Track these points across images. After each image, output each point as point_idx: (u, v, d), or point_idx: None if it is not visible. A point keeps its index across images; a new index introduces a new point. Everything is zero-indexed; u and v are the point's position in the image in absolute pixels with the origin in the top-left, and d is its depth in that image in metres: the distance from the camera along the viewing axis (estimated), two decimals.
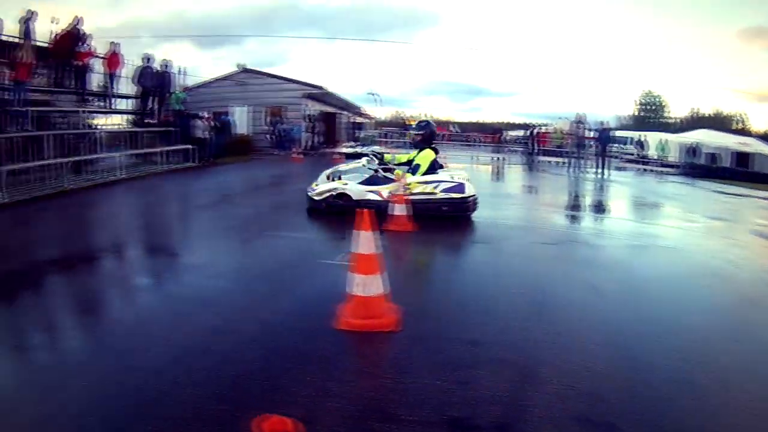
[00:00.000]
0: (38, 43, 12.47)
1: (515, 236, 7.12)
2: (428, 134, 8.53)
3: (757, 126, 54.34)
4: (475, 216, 8.08)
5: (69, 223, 7.94)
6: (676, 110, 63.93)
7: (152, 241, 6.79)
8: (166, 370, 3.00)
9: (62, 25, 13.41)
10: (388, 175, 8.21)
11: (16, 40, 11.69)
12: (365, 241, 3.65)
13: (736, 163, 27.20)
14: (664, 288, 5.10)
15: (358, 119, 36.58)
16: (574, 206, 11.10)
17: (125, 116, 16.69)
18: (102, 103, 15.42)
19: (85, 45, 13.76)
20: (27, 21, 11.79)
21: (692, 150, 25.65)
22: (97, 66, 14.82)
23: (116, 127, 16.08)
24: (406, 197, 7.29)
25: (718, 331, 3.99)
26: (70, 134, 12.38)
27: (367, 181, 8.08)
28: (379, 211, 7.39)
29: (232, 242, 6.56)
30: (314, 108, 25.78)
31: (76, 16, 13.46)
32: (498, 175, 18.00)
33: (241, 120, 23.00)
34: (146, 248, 6.41)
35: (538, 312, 4.09)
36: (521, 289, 4.68)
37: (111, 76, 15.20)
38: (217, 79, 24.38)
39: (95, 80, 14.99)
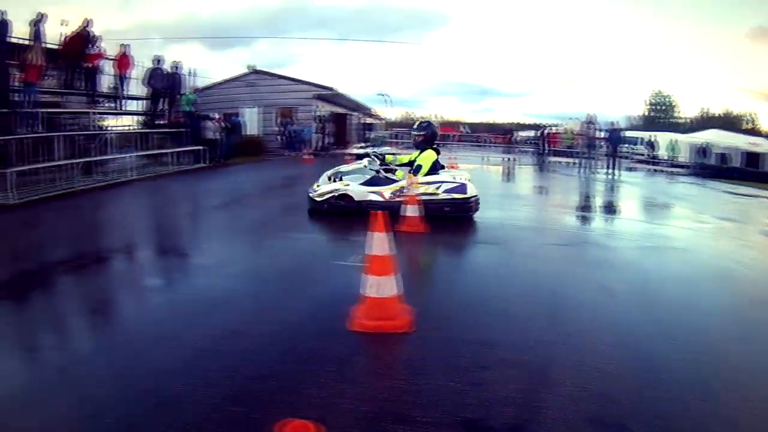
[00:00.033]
0: (48, 45, 12.54)
1: (526, 237, 7.13)
2: (429, 135, 8.52)
3: (767, 126, 53.94)
4: (487, 217, 8.09)
5: (80, 224, 8.01)
6: (686, 110, 63.50)
7: (164, 241, 6.85)
8: (180, 371, 3.01)
9: (72, 27, 13.54)
10: (389, 175, 8.24)
11: (26, 42, 11.76)
12: (379, 242, 3.66)
13: (746, 163, 26.96)
14: (675, 289, 5.07)
15: (369, 120, 36.65)
16: (585, 207, 11.07)
17: (135, 117, 16.80)
18: (112, 105, 15.53)
19: (94, 47, 13.85)
20: (37, 23, 11.89)
21: (702, 150, 25.45)
22: (107, 67, 14.92)
23: (126, 128, 16.19)
24: (418, 198, 7.29)
25: (728, 332, 3.97)
26: (80, 135, 12.51)
27: (369, 182, 8.10)
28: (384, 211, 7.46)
29: (244, 243, 6.59)
30: (325, 109, 25.84)
31: (86, 19, 13.59)
32: (509, 175, 17.96)
33: (251, 121, 23.13)
34: (158, 249, 6.46)
35: (549, 313, 4.10)
36: (533, 290, 4.70)
37: (121, 78, 15.30)
38: (228, 81, 24.55)
39: (105, 82, 15.10)
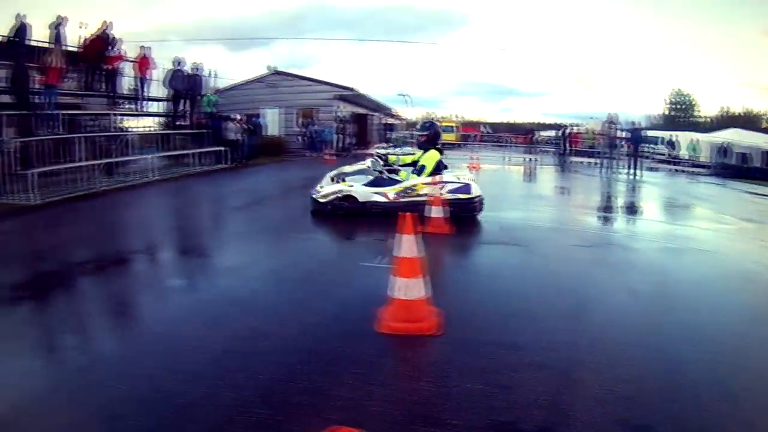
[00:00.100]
0: (68, 48, 12.71)
1: (550, 238, 7.11)
2: (432, 135, 8.51)
3: None
4: (509, 218, 8.10)
5: (102, 224, 8.10)
6: (706, 109, 62.56)
7: (186, 242, 6.92)
8: (205, 373, 3.02)
9: (91, 30, 13.68)
10: (392, 176, 8.23)
11: (46, 45, 11.92)
12: (407, 244, 3.65)
13: (767, 163, 26.54)
14: (698, 291, 5.05)
15: (390, 120, 36.66)
16: (607, 208, 10.99)
17: (156, 119, 17.00)
18: (132, 106, 15.69)
19: (114, 49, 13.97)
20: (57, 26, 12.10)
21: (723, 150, 25.10)
22: (128, 69, 15.05)
23: (147, 129, 16.41)
24: (443, 199, 7.21)
25: (752, 335, 3.94)
26: (101, 137, 12.67)
27: (373, 183, 8.08)
28: (385, 212, 7.50)
29: (268, 244, 6.61)
30: (346, 109, 25.87)
31: (105, 21, 13.72)
32: (530, 176, 17.91)
33: (272, 122, 23.28)
34: (180, 250, 6.53)
35: (574, 315, 4.09)
36: (558, 292, 4.69)
37: (142, 80, 15.44)
38: (249, 82, 24.70)
39: (126, 83, 15.22)
